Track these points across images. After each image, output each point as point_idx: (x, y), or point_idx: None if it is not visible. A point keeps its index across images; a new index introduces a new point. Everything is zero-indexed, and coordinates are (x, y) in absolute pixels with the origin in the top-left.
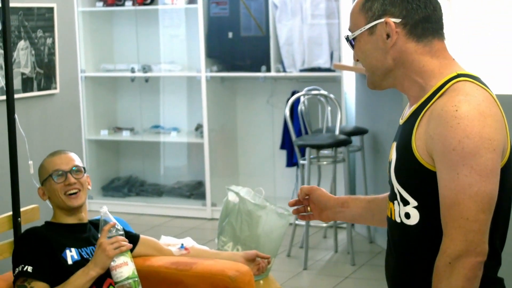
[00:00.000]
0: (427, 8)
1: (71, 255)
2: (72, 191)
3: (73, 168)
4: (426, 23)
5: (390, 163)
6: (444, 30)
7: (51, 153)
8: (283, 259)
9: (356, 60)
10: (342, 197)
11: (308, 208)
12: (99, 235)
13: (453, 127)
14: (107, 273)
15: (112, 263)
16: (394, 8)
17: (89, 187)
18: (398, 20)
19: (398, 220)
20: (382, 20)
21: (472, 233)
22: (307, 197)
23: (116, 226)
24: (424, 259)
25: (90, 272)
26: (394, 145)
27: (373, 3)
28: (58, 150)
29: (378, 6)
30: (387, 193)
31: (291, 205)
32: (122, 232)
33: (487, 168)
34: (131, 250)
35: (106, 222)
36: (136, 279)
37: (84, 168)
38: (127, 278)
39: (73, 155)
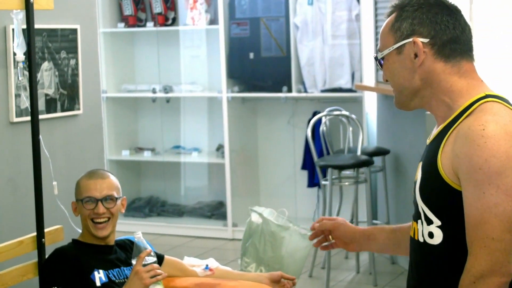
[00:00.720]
0: (455, 29)
1: (99, 276)
2: (99, 220)
3: (106, 197)
4: (454, 44)
5: (415, 182)
6: (474, 52)
7: (90, 173)
8: (305, 279)
9: (386, 80)
10: (367, 229)
11: (330, 237)
12: (133, 261)
13: (480, 146)
14: None
15: None
16: (422, 28)
17: (123, 210)
18: (426, 40)
19: (421, 239)
20: (410, 39)
21: (497, 252)
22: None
23: (152, 254)
24: (446, 279)
25: None
26: (420, 164)
27: (402, 23)
28: (97, 170)
29: (406, 26)
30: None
31: (311, 239)
32: (155, 259)
33: None
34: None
35: (139, 247)
36: None
37: (116, 198)
38: None
39: (110, 181)
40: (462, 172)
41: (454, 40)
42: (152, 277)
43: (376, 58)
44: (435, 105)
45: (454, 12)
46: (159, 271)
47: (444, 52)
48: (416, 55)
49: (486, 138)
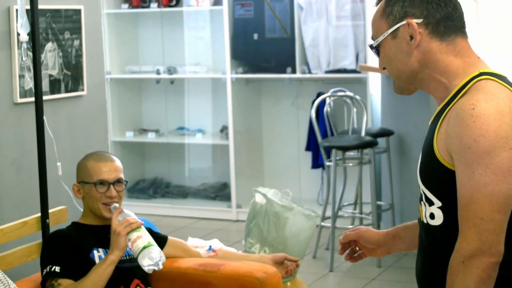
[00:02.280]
0: (447, 6)
1: (98, 255)
2: (110, 202)
3: (117, 180)
4: (448, 21)
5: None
6: (467, 29)
7: (96, 155)
8: (309, 260)
9: (383, 68)
10: (391, 230)
11: (357, 248)
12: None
13: (469, 125)
14: (134, 274)
15: (128, 243)
16: (414, 9)
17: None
18: (419, 21)
19: (425, 221)
20: (404, 22)
21: (486, 232)
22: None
23: (124, 211)
24: (449, 260)
25: (109, 256)
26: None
27: (393, 7)
28: (103, 153)
29: (398, 9)
30: None
31: (341, 253)
32: (131, 215)
33: (503, 167)
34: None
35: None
36: (154, 247)
37: (126, 181)
38: (144, 248)
39: (118, 164)
40: (454, 152)
41: (448, 17)
42: (126, 227)
43: (371, 47)
44: (433, 86)
45: None
46: (132, 220)
47: (439, 30)
48: (411, 37)
49: (475, 117)
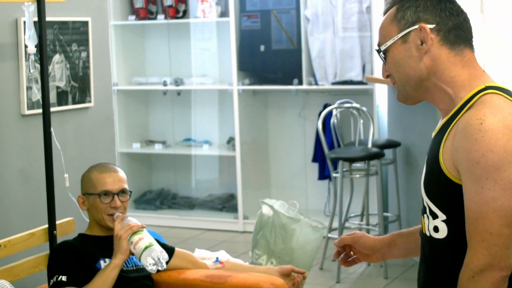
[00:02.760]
0: (459, 16)
1: (105, 265)
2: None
3: (121, 190)
4: (459, 31)
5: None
6: (474, 42)
7: (100, 166)
8: (316, 272)
9: (386, 76)
10: (386, 237)
11: (352, 253)
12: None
13: (477, 140)
14: (141, 284)
15: (130, 246)
16: (427, 15)
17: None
18: (432, 26)
19: (427, 233)
20: (416, 26)
21: (495, 247)
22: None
23: (127, 218)
24: (452, 273)
25: (113, 260)
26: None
27: (405, 12)
28: (107, 164)
29: (411, 13)
30: None
31: (335, 257)
32: (132, 220)
33: (511, 182)
34: (166, 263)
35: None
36: (156, 246)
37: (130, 191)
38: (145, 248)
39: (122, 175)
40: (461, 166)
41: (459, 27)
42: (127, 230)
43: (379, 51)
44: (438, 97)
45: (454, 0)
46: (133, 223)
47: (449, 39)
48: (422, 42)
49: (483, 132)
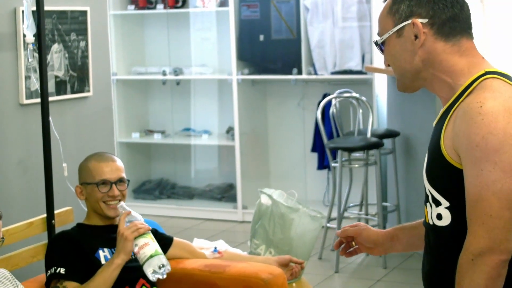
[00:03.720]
0: (454, 7)
1: (104, 255)
2: (113, 202)
3: (119, 179)
4: (454, 22)
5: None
6: (473, 30)
7: (98, 156)
8: (314, 262)
9: (387, 65)
10: (389, 230)
11: (353, 243)
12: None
13: (477, 123)
14: (140, 273)
15: (135, 248)
16: (420, 9)
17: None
18: (425, 21)
19: (431, 222)
20: (409, 21)
21: (495, 230)
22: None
23: (132, 214)
24: (457, 260)
25: (115, 260)
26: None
27: (399, 6)
28: (104, 153)
29: (404, 8)
30: None
31: (336, 248)
32: (139, 218)
33: (511, 165)
34: (165, 252)
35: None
36: (161, 256)
37: (128, 180)
38: (150, 256)
39: (119, 164)
40: (461, 150)
41: (453, 18)
42: (134, 231)
43: (376, 43)
44: (437, 86)
45: None
46: (140, 225)
47: (443, 31)
48: (416, 37)
49: (483, 115)
